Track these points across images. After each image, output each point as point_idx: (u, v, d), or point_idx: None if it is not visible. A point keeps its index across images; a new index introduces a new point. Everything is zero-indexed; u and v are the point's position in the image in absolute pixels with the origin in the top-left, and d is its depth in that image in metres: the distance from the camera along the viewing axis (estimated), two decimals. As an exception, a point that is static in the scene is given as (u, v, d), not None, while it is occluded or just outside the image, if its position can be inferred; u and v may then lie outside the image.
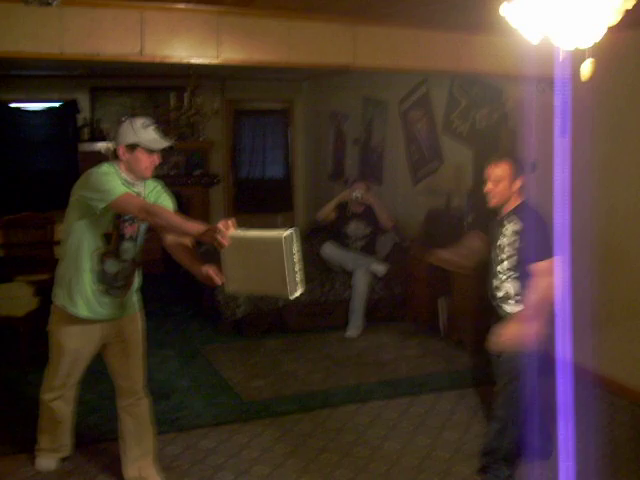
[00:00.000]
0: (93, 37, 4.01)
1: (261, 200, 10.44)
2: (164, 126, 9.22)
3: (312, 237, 8.02)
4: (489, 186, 3.66)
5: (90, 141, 9.16)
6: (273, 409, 4.86)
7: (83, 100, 9.29)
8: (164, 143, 3.41)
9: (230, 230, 2.87)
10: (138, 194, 3.38)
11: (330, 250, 7.00)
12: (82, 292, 3.45)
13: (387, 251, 7.20)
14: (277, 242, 2.80)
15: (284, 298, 2.97)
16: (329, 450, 4.27)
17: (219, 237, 2.85)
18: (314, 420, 4.70)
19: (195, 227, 3.06)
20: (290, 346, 6.27)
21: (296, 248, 2.86)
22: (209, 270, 3.17)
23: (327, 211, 7.12)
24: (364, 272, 6.73)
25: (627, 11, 2.07)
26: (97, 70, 8.38)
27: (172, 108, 8.30)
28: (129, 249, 3.49)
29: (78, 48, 4.00)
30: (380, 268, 6.80)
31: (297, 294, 2.92)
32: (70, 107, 9.20)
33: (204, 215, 9.86)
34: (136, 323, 3.73)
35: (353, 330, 6.60)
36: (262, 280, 2.94)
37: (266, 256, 2.85)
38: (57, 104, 9.26)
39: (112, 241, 3.42)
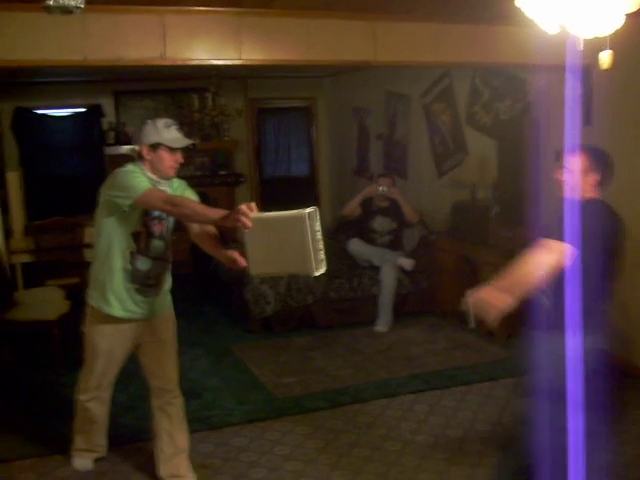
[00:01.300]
0: (115, 43, 4.06)
1: (287, 198, 10.46)
2: (188, 127, 9.34)
3: (338, 233, 8.04)
4: (561, 174, 3.42)
5: (115, 145, 9.25)
6: (304, 405, 4.89)
7: (107, 104, 9.39)
8: (186, 141, 3.47)
9: (252, 213, 2.91)
10: None
11: (356, 246, 7.01)
12: (116, 291, 3.51)
13: (414, 245, 7.19)
14: (300, 219, 2.81)
15: (307, 275, 2.97)
16: (360, 445, 4.29)
17: (242, 219, 2.88)
18: (345, 415, 4.72)
19: (218, 212, 3.11)
20: (319, 342, 6.29)
21: (318, 226, 2.88)
22: (234, 253, 3.26)
23: (353, 207, 7.13)
24: (391, 267, 6.73)
25: (645, -2, 2.07)
26: (120, 74, 8.46)
27: (195, 109, 8.37)
28: (159, 247, 3.55)
29: (100, 54, 4.06)
30: (407, 262, 6.80)
31: (321, 271, 2.93)
32: (95, 112, 9.31)
33: (230, 214, 9.90)
34: (168, 322, 3.78)
35: (382, 325, 6.61)
36: (285, 259, 2.94)
37: (289, 234, 2.86)
38: (82, 109, 9.37)
39: (141, 239, 3.48)
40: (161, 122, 3.46)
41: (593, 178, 3.33)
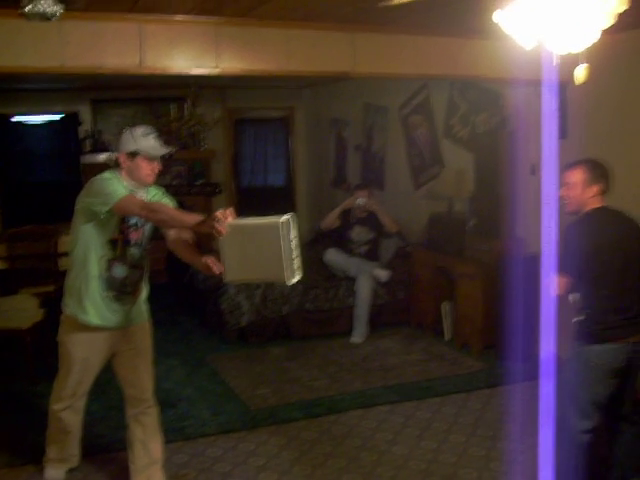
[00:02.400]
0: (93, 50, 4.04)
1: (263, 208, 10.42)
2: (165, 136, 9.29)
3: (315, 244, 8.05)
4: (563, 191, 3.51)
5: (92, 153, 9.19)
6: (279, 416, 4.87)
7: (84, 112, 9.34)
8: (164, 150, 3.49)
9: (228, 219, 2.91)
10: None
11: (333, 256, 7.02)
12: (92, 299, 3.49)
13: (390, 256, 7.22)
14: (274, 227, 2.82)
15: (282, 283, 2.98)
16: (336, 456, 4.29)
17: (217, 225, 2.88)
18: (320, 426, 4.72)
19: (195, 218, 3.13)
20: (295, 353, 6.28)
21: (294, 234, 2.88)
22: (208, 260, 3.26)
23: (331, 220, 7.14)
24: (367, 278, 6.74)
25: (619, 14, 2.10)
26: (98, 82, 8.42)
27: (173, 118, 8.36)
28: (135, 254, 3.54)
29: (79, 61, 4.04)
30: (383, 273, 6.82)
31: (295, 280, 2.93)
32: (72, 119, 9.26)
33: (207, 224, 9.87)
34: (145, 332, 3.76)
35: (357, 336, 6.62)
36: (260, 267, 2.94)
37: (264, 242, 2.87)
38: (59, 117, 9.31)
39: (118, 247, 3.47)
40: (139, 130, 3.47)
41: (595, 188, 3.43)
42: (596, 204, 3.45)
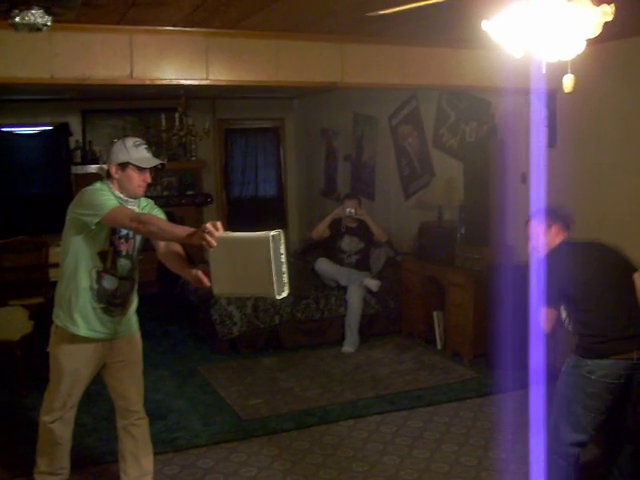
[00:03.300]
0: (83, 61, 4.05)
1: (254, 218, 10.45)
2: (156, 147, 9.30)
3: (306, 254, 8.05)
4: (531, 243, 3.70)
5: (82, 164, 9.19)
6: (270, 427, 4.86)
7: (74, 123, 9.34)
8: (155, 161, 3.49)
9: (218, 231, 2.91)
10: None
11: (324, 265, 7.02)
12: (82, 311, 3.48)
13: (381, 265, 7.23)
14: (264, 241, 2.81)
15: (271, 298, 2.97)
16: (327, 466, 4.27)
17: (207, 237, 2.88)
18: (311, 436, 4.70)
19: (185, 230, 3.12)
20: (286, 363, 6.27)
21: (282, 249, 2.88)
22: (198, 272, 3.25)
23: (321, 230, 7.15)
24: (357, 287, 6.75)
25: (606, 24, 2.12)
26: (88, 93, 8.41)
27: (163, 129, 8.34)
28: (125, 266, 3.53)
29: (68, 72, 4.04)
30: (373, 283, 6.82)
31: (284, 295, 2.93)
32: (62, 130, 9.24)
33: (198, 235, 9.86)
34: (135, 344, 3.75)
35: (349, 346, 6.61)
36: (249, 281, 2.94)
37: (253, 256, 2.86)
38: (49, 128, 9.30)
39: (108, 258, 3.46)
40: (130, 141, 3.47)
41: (554, 230, 3.64)
42: (558, 240, 3.63)
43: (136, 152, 3.43)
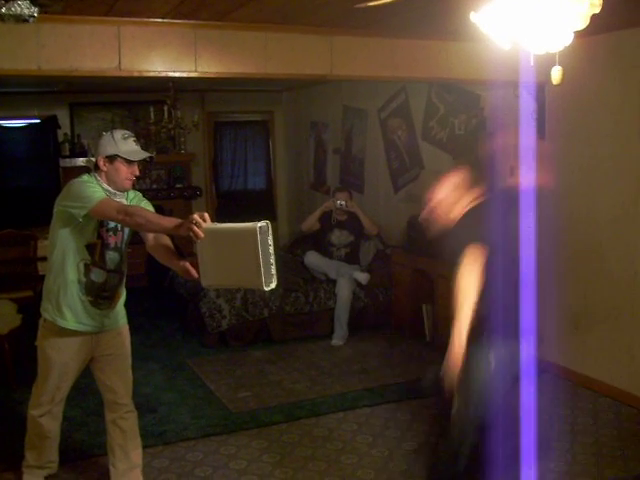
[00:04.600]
0: (70, 53, 4.02)
1: (244, 212, 10.44)
2: (144, 140, 9.26)
3: (295, 247, 8.05)
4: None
5: (71, 157, 9.14)
6: (260, 419, 4.86)
7: (63, 116, 9.29)
8: (143, 154, 3.48)
9: (205, 223, 2.90)
10: None
11: (313, 258, 7.02)
12: (70, 303, 3.47)
13: (370, 258, 7.24)
14: (252, 232, 2.80)
15: (259, 289, 2.96)
16: (316, 458, 4.28)
17: (194, 228, 2.88)
18: (301, 429, 4.71)
19: (172, 221, 3.12)
20: (275, 356, 6.27)
21: (270, 240, 2.87)
22: (186, 264, 3.26)
23: (311, 222, 7.16)
24: (347, 280, 6.75)
25: (594, 16, 2.12)
26: (76, 86, 8.37)
27: (152, 122, 8.31)
28: (114, 259, 3.52)
29: (56, 64, 4.01)
30: (362, 276, 6.83)
31: (272, 286, 2.92)
32: (50, 123, 9.19)
33: (187, 228, 9.85)
34: (123, 337, 3.74)
35: (338, 338, 6.62)
36: (237, 272, 2.93)
37: (241, 247, 2.85)
38: (37, 121, 9.25)
39: (97, 251, 3.46)
40: (119, 134, 3.46)
41: (460, 193, 3.67)
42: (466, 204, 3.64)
43: (124, 145, 3.42)
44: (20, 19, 3.31)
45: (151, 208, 3.56)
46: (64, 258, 3.45)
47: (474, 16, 2.20)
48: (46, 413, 3.72)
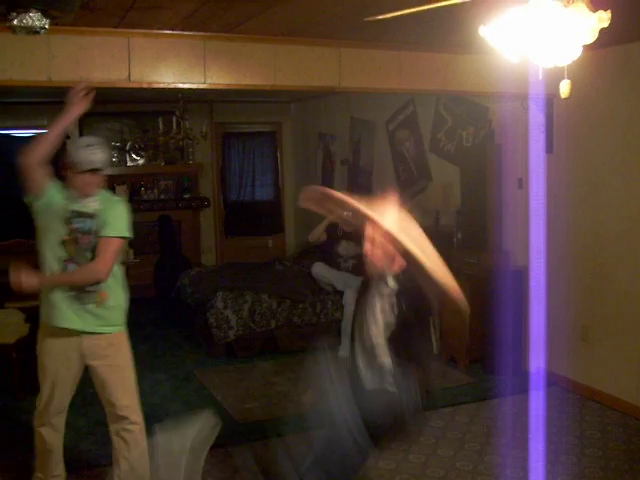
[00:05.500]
0: (81, 64, 4.05)
1: (251, 223, 10.45)
2: (153, 150, 9.31)
3: (303, 258, 8.04)
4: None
5: (79, 167, 9.16)
6: (266, 431, 4.85)
7: (72, 126, 9.29)
8: (94, 164, 3.51)
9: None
10: (77, 211, 3.54)
11: (320, 269, 7.02)
12: (54, 301, 3.55)
13: (377, 270, 7.22)
14: None
15: None
16: (323, 470, 4.26)
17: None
18: (308, 441, 4.69)
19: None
20: (282, 367, 6.26)
21: None
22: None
23: (318, 233, 7.14)
24: (354, 292, 6.72)
25: (602, 29, 2.12)
26: (86, 96, 8.40)
27: (161, 132, 8.33)
28: (88, 256, 3.57)
29: (66, 75, 4.04)
30: (370, 287, 6.81)
31: None
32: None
33: (195, 238, 9.88)
34: (119, 346, 3.72)
35: (345, 351, 6.59)
36: None
37: None
38: (46, 131, 9.27)
39: (70, 247, 3.54)
40: (79, 142, 3.59)
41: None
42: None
43: (79, 153, 3.50)
44: (31, 31, 3.33)
45: (122, 209, 3.63)
46: (44, 256, 3.58)
47: (483, 29, 2.21)
48: (45, 424, 3.72)
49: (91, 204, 3.56)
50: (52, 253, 3.54)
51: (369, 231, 3.17)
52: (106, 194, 3.67)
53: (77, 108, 3.30)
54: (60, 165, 3.56)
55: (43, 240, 3.57)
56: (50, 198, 3.52)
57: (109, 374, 3.67)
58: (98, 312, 3.60)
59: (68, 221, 3.51)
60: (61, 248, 3.53)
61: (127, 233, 3.63)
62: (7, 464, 4.30)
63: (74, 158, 3.50)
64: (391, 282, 3.15)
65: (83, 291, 3.55)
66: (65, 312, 3.54)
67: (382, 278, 3.17)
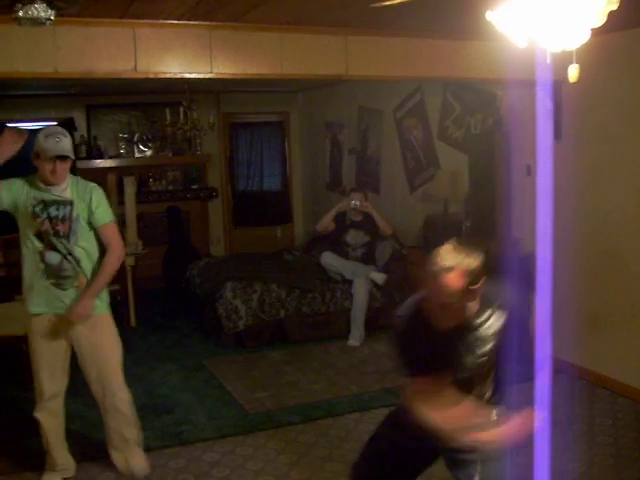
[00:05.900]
0: (87, 55, 4.04)
1: (260, 212, 10.46)
2: (161, 141, 9.31)
3: (311, 247, 8.04)
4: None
5: (87, 159, 9.19)
6: (276, 420, 4.87)
7: (79, 118, 9.33)
8: (57, 152, 3.62)
9: None
10: (50, 200, 3.67)
11: (329, 259, 7.01)
12: (36, 289, 3.73)
13: (386, 259, 7.21)
14: None
15: None
16: (333, 459, 4.27)
17: None
18: (317, 430, 4.71)
19: None
20: (292, 357, 6.27)
21: None
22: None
23: (326, 222, 7.15)
24: (363, 281, 6.74)
25: (611, 13, 2.10)
26: (92, 88, 8.41)
27: (168, 123, 8.33)
28: (65, 245, 3.70)
29: (72, 67, 4.03)
30: (379, 276, 6.82)
31: None
32: (66, 125, 9.19)
33: (203, 229, 9.89)
34: (102, 326, 3.86)
35: (354, 339, 6.61)
36: None
37: None
38: (53, 123, 9.29)
39: (45, 238, 3.68)
40: (44, 132, 3.67)
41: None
42: None
43: (44, 143, 3.61)
44: (37, 22, 3.33)
45: (99, 194, 3.77)
46: (25, 246, 3.74)
47: (490, 14, 2.18)
48: (42, 409, 3.87)
49: (64, 191, 3.69)
50: (30, 245, 3.70)
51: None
52: (76, 179, 3.79)
53: (9, 148, 3.47)
54: (32, 156, 3.68)
55: (23, 232, 3.74)
56: (13, 197, 3.69)
57: (95, 354, 3.83)
58: (80, 295, 3.74)
59: (42, 211, 3.65)
60: (37, 239, 3.69)
61: (113, 216, 3.86)
62: (19, 454, 4.32)
63: (41, 147, 3.61)
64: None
65: (62, 277, 3.69)
66: (48, 299, 3.73)
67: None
